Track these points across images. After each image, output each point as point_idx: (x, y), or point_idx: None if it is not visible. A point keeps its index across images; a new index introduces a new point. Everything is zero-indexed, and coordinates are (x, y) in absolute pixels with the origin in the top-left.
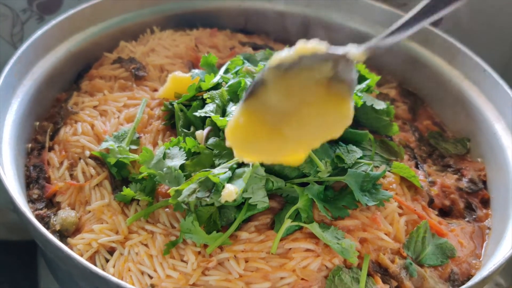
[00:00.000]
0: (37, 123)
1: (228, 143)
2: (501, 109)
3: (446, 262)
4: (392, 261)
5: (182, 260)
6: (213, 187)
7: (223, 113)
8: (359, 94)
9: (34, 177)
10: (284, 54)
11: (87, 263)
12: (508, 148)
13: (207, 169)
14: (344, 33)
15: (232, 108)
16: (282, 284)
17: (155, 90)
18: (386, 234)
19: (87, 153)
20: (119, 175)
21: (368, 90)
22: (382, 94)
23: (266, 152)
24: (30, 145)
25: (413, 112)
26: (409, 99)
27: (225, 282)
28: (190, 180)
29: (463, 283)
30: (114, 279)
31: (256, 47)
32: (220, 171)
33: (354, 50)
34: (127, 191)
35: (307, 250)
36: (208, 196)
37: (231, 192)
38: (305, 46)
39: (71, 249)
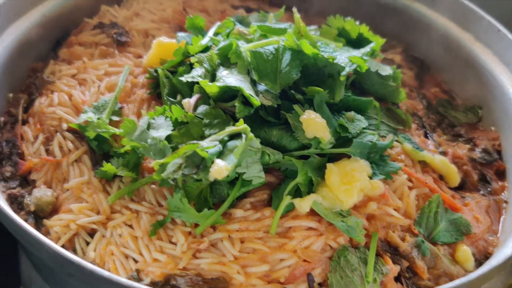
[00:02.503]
0: (11, 95)
1: None
2: None
3: (461, 239)
4: (403, 239)
5: (170, 242)
6: (201, 163)
7: (213, 78)
8: (365, 57)
9: (6, 153)
10: None
11: (58, 247)
12: None
13: (195, 141)
14: None
15: (223, 73)
16: (281, 266)
17: (139, 56)
18: (395, 209)
19: (64, 125)
20: (99, 149)
21: (372, 54)
22: (386, 59)
23: None
24: (2, 118)
25: (419, 79)
26: (415, 65)
27: (219, 265)
28: (175, 153)
29: (480, 263)
30: (89, 265)
31: (249, 10)
32: (209, 144)
33: None
34: (108, 167)
35: (309, 228)
36: (195, 173)
37: (221, 168)
38: None
39: (47, 231)
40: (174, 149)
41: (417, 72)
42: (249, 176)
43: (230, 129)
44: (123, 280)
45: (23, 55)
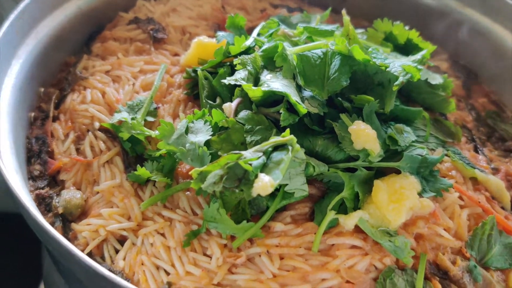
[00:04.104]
0: (42, 89)
1: None
2: None
3: None
4: (453, 263)
5: (205, 254)
6: (244, 176)
7: (256, 82)
8: (419, 67)
9: (36, 150)
10: None
11: (91, 261)
12: None
13: (237, 151)
14: None
15: (267, 77)
16: (323, 287)
17: (176, 54)
18: (445, 229)
19: (97, 124)
20: (133, 151)
21: (421, 61)
22: (431, 67)
23: None
24: (33, 114)
25: (466, 88)
26: (462, 73)
27: (256, 282)
28: (216, 163)
29: None
30: (124, 282)
31: (290, 10)
32: (253, 156)
33: None
34: (142, 171)
35: (353, 247)
36: (237, 187)
37: (265, 184)
38: None
39: (75, 236)
40: (213, 155)
41: (464, 81)
42: (292, 188)
43: (275, 139)
44: None
45: (57, 48)
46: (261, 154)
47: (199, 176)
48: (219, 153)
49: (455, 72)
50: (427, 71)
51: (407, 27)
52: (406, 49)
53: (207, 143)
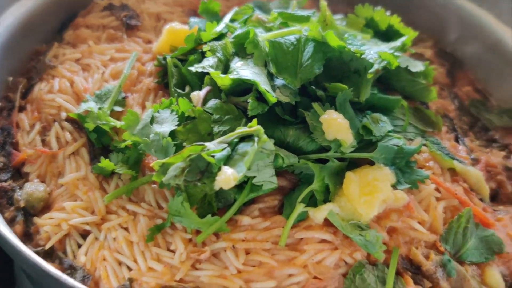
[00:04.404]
0: (11, 78)
1: None
2: None
3: (492, 259)
4: (427, 257)
5: (168, 249)
6: (206, 168)
7: (226, 69)
8: (396, 53)
9: (0, 142)
10: None
11: (35, 257)
12: None
13: (201, 143)
14: None
15: (237, 64)
16: (289, 283)
17: (149, 42)
18: (420, 223)
19: (63, 114)
20: (99, 142)
21: (402, 49)
22: (415, 54)
23: None
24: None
25: (451, 76)
26: (447, 61)
27: (220, 279)
28: (178, 155)
29: None
30: (69, 281)
31: None
32: (217, 147)
33: None
34: (106, 163)
35: (323, 241)
36: (199, 180)
37: (228, 178)
38: None
39: (37, 230)
40: (179, 146)
41: (449, 69)
42: (260, 180)
43: (241, 130)
44: None
45: (26, 36)
46: (225, 145)
47: (161, 169)
48: (184, 144)
49: (439, 59)
50: (408, 58)
51: (388, 13)
52: (388, 35)
53: (172, 134)
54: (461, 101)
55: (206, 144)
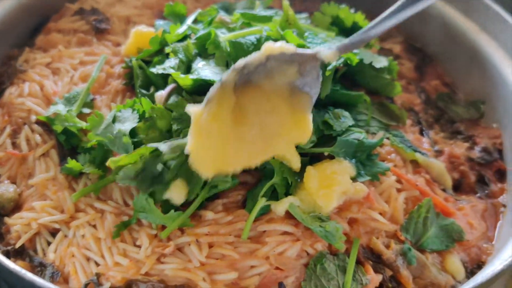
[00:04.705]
0: None
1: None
2: None
3: (452, 246)
4: (387, 246)
5: (135, 245)
6: (159, 175)
7: (188, 70)
8: (355, 50)
9: None
10: (251, 56)
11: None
12: None
13: (154, 144)
14: None
15: (199, 65)
16: (251, 274)
17: (119, 45)
18: (380, 213)
19: (33, 117)
20: (68, 143)
21: (367, 45)
22: (384, 49)
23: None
24: None
25: (420, 71)
26: (416, 56)
27: (183, 271)
28: (132, 155)
29: (472, 272)
30: (28, 275)
31: None
32: (170, 153)
33: (325, 51)
34: (73, 163)
35: (285, 233)
36: (149, 185)
37: (179, 194)
38: (272, 46)
39: (8, 230)
40: (138, 143)
41: (418, 64)
42: (215, 181)
43: None
44: None
45: None
46: (179, 152)
47: (115, 168)
48: (143, 141)
49: (408, 55)
50: (372, 55)
51: (352, 10)
52: (353, 32)
53: (133, 131)
54: (427, 95)
55: (159, 146)
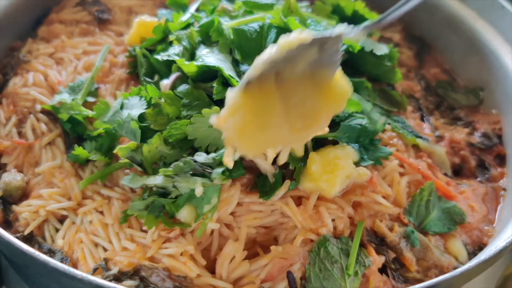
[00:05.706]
0: None
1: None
2: None
3: (454, 229)
4: (391, 229)
5: (141, 230)
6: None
7: (192, 57)
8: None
9: None
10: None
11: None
12: None
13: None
14: None
15: (203, 52)
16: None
17: (121, 35)
18: (384, 197)
19: (38, 107)
20: (73, 132)
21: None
22: (384, 38)
23: (259, 142)
24: None
25: (419, 59)
26: (415, 44)
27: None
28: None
29: (474, 254)
30: (42, 256)
31: None
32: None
33: (347, 31)
34: (80, 150)
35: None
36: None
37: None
38: (289, 40)
39: (16, 217)
40: (147, 129)
41: (417, 52)
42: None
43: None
44: (79, 273)
45: (1, 33)
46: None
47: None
48: (152, 126)
49: (407, 43)
50: (373, 42)
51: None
52: (353, 21)
53: (141, 117)
54: (428, 82)
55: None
